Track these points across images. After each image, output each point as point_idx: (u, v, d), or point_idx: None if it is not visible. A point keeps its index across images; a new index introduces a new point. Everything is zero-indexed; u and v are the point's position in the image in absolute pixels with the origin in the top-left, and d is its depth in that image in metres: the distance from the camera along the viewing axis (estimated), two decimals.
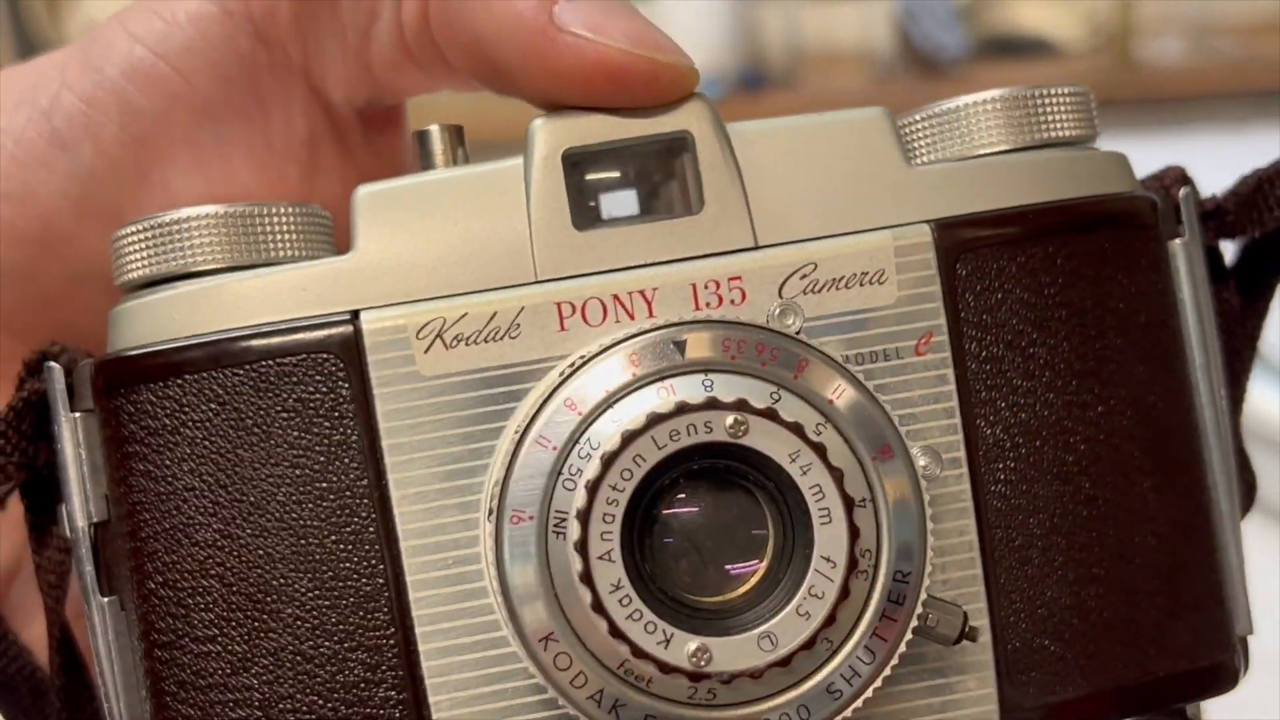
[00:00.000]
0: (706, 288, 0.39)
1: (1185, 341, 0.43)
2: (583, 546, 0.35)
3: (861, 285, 0.40)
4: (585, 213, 0.40)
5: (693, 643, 0.35)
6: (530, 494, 0.36)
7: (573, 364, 0.37)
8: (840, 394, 0.36)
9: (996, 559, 0.40)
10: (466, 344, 0.39)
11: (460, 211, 0.40)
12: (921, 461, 0.37)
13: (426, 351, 0.39)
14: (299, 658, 0.39)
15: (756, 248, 0.40)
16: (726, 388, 0.36)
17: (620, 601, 0.35)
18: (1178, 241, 0.43)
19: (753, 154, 0.40)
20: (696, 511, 0.37)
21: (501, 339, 0.39)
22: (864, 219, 0.40)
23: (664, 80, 0.39)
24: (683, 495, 0.37)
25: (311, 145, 0.46)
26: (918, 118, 0.43)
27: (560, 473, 0.36)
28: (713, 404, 0.35)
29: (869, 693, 0.36)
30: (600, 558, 0.35)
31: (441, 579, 0.39)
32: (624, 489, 0.35)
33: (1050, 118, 0.42)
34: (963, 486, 0.40)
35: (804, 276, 0.40)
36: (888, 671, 0.36)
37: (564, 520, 0.35)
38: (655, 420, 0.35)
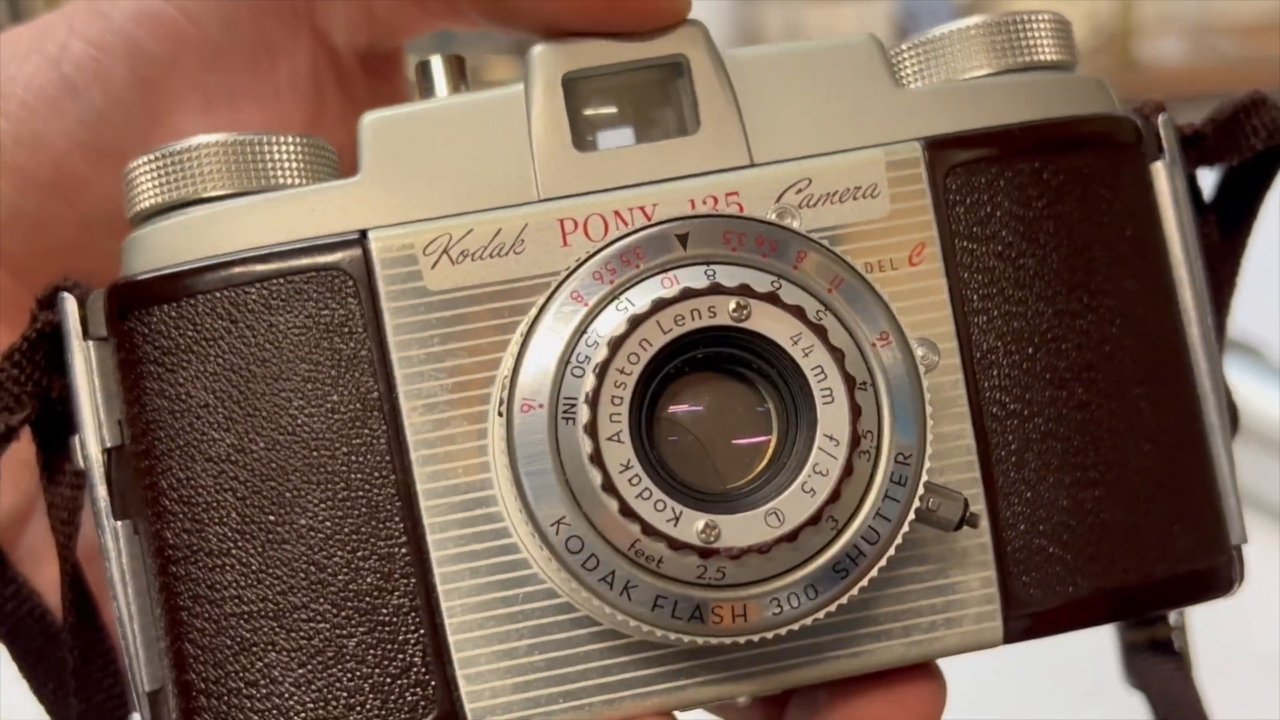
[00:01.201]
0: (704, 203, 0.40)
1: (1170, 260, 0.44)
2: (592, 428, 0.35)
3: (855, 199, 0.41)
4: (586, 134, 0.42)
5: (701, 520, 0.35)
6: (539, 383, 0.37)
7: (579, 259, 0.38)
8: (839, 284, 0.37)
9: (994, 462, 0.41)
10: (472, 260, 0.40)
11: (463, 135, 0.41)
12: (919, 351, 0.38)
13: (433, 267, 0.40)
14: (312, 567, 0.39)
15: (752, 165, 0.41)
16: (729, 276, 0.37)
17: (630, 481, 0.36)
18: (1159, 164, 0.45)
19: (747, 77, 0.42)
20: (702, 397, 0.37)
21: (506, 254, 0.40)
22: (856, 138, 0.42)
23: (659, 2, 0.41)
24: (688, 384, 0.38)
25: (316, 90, 0.47)
26: (904, 47, 0.44)
27: (569, 361, 0.37)
28: (716, 289, 0.36)
29: (874, 572, 0.37)
30: (609, 439, 0.36)
31: (451, 488, 0.40)
32: (631, 372, 0.36)
33: (1032, 42, 0.44)
34: (959, 392, 0.41)
35: (799, 191, 0.41)
36: (892, 551, 0.37)
37: (573, 406, 0.36)
38: (660, 305, 0.36)
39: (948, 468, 0.41)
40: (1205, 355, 0.44)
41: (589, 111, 0.42)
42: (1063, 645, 0.42)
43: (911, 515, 0.37)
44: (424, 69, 0.43)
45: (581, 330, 0.37)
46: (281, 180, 0.42)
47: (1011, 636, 0.41)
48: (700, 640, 0.36)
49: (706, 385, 0.38)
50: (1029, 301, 0.42)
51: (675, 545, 0.35)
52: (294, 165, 0.42)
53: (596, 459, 0.35)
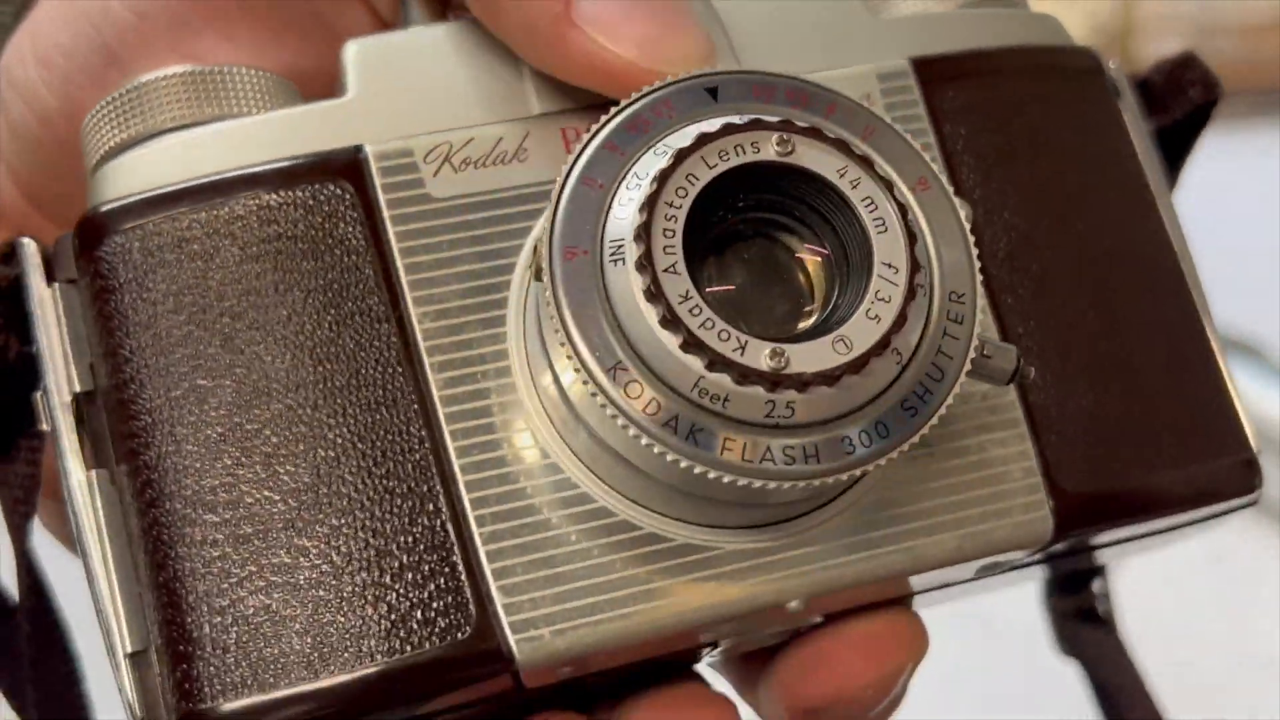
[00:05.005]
0: None
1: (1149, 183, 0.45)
2: (648, 259, 0.33)
3: None
4: None
5: (767, 347, 0.33)
6: (582, 231, 0.35)
7: (611, 115, 0.36)
8: (871, 132, 0.37)
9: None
10: (475, 167, 0.39)
11: (454, 54, 0.40)
12: (957, 200, 0.37)
13: (436, 175, 0.38)
14: (329, 491, 0.36)
15: None
16: (768, 115, 0.36)
17: (691, 311, 0.33)
18: (1120, 104, 0.46)
19: (729, 6, 0.41)
20: (753, 240, 0.36)
21: (510, 162, 0.39)
22: (841, 58, 0.42)
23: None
24: (731, 250, 0.36)
25: None
26: None
27: (610, 208, 0.35)
28: (757, 124, 0.35)
29: (943, 410, 0.35)
30: (666, 270, 0.34)
31: (471, 393, 0.37)
32: (681, 205, 0.34)
33: None
34: (979, 298, 0.40)
35: None
36: (958, 389, 0.35)
37: (620, 247, 0.34)
38: (703, 140, 0.35)
39: None
40: (1195, 290, 0.44)
41: None
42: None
43: (972, 353, 0.35)
44: (404, 3, 0.42)
45: (620, 177, 0.35)
46: (253, 110, 0.39)
47: (1061, 528, 0.39)
48: (772, 485, 0.34)
49: (750, 247, 0.36)
50: (1027, 211, 0.42)
51: (744, 375, 0.33)
52: (264, 96, 0.40)
53: (654, 293, 0.33)
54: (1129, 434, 0.41)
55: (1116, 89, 0.46)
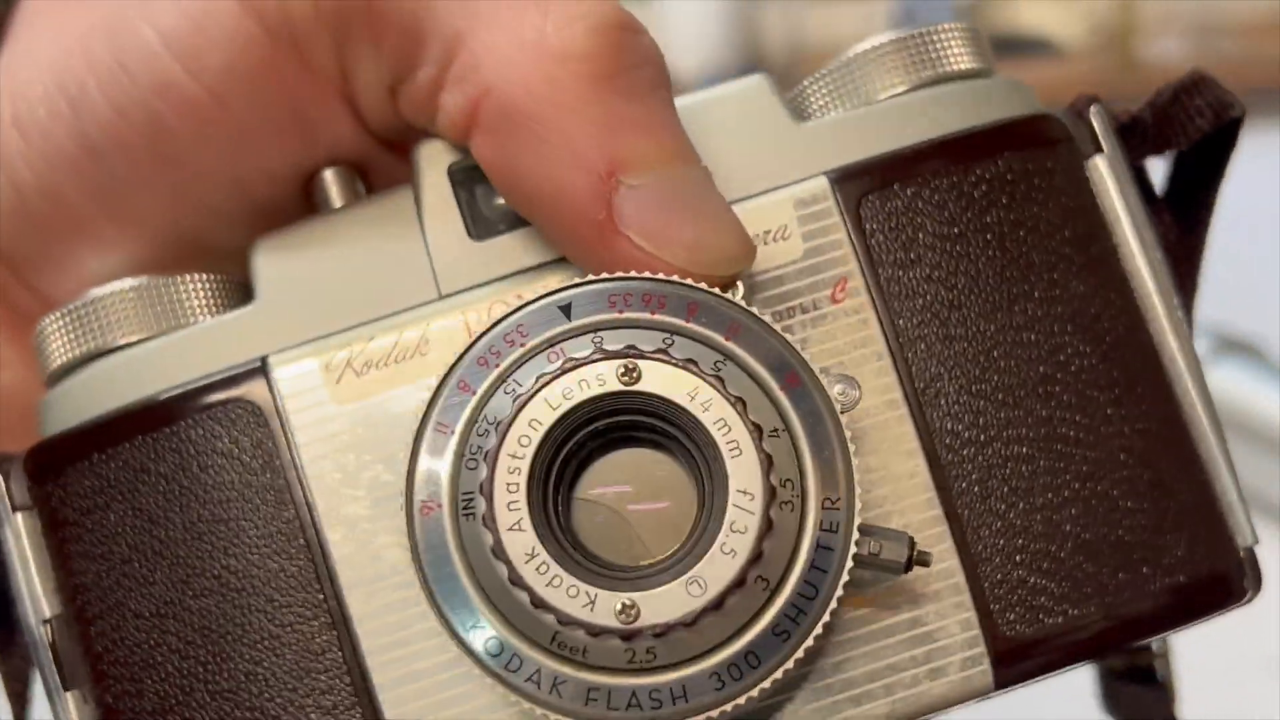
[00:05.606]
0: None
1: (1128, 256, 0.41)
2: (490, 519, 0.34)
3: (765, 244, 0.39)
4: (482, 222, 0.40)
5: (617, 600, 0.33)
6: (436, 482, 0.35)
7: (465, 348, 0.36)
8: (736, 330, 0.35)
9: (955, 495, 0.38)
10: (377, 369, 0.39)
11: (357, 244, 0.40)
12: (837, 387, 0.36)
13: (338, 382, 0.39)
14: (257, 713, 0.38)
15: None
16: (615, 340, 0.35)
17: (538, 570, 0.33)
18: (1099, 158, 0.42)
19: None
20: (618, 472, 0.35)
21: (411, 358, 0.39)
22: (758, 183, 0.40)
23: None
24: (606, 460, 0.36)
25: (362, 172, 0.43)
26: (813, 77, 0.42)
27: (463, 455, 0.35)
28: (601, 355, 0.34)
29: (818, 629, 0.34)
30: (510, 529, 0.34)
31: (385, 608, 0.38)
32: (524, 456, 0.34)
33: (941, 54, 0.42)
34: (906, 427, 0.38)
35: None
36: (834, 604, 0.34)
37: (471, 499, 0.34)
38: (544, 382, 0.34)
39: (907, 508, 0.38)
40: (1182, 353, 0.41)
41: (482, 199, 0.41)
42: None
43: (849, 563, 0.34)
44: (318, 184, 0.42)
45: (473, 420, 0.35)
46: (191, 319, 0.40)
47: (1004, 680, 0.38)
48: None
49: (623, 459, 0.36)
50: (968, 322, 0.39)
51: (594, 631, 0.33)
52: (201, 302, 0.41)
53: (498, 551, 0.34)
54: (1086, 560, 0.39)
55: (1099, 141, 0.42)
